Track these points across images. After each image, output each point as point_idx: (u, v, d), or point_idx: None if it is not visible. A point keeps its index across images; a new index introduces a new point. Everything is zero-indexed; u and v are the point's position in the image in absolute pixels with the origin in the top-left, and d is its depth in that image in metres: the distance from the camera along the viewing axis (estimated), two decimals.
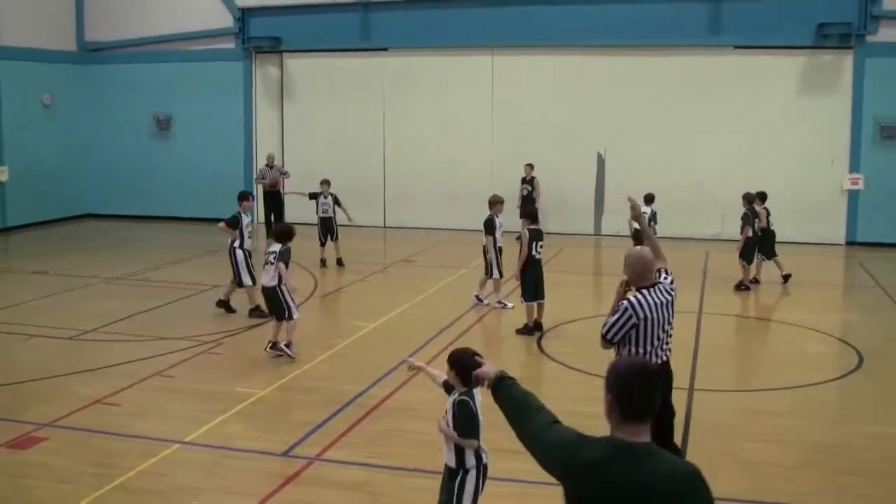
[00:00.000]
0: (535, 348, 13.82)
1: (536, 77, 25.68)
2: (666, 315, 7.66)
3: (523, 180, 24.49)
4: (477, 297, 16.59)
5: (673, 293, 7.76)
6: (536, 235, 14.69)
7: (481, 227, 16.26)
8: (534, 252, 14.57)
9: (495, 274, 16.22)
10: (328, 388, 11.56)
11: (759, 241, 18.63)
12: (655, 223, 18.92)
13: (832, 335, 14.98)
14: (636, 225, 18.81)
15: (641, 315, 7.52)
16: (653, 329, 7.55)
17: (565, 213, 25.28)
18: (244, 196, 16.19)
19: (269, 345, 13.12)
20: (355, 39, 26.96)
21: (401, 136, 26.77)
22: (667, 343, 7.81)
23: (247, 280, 15.58)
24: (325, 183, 20.70)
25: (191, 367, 12.62)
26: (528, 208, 16.63)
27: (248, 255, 15.74)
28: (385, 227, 26.52)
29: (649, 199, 19.40)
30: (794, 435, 10.04)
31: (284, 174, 25.43)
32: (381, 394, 11.29)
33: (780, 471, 9.00)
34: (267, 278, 13.16)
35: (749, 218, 18.33)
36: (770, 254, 18.84)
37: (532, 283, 14.55)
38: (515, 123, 25.84)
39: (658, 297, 7.59)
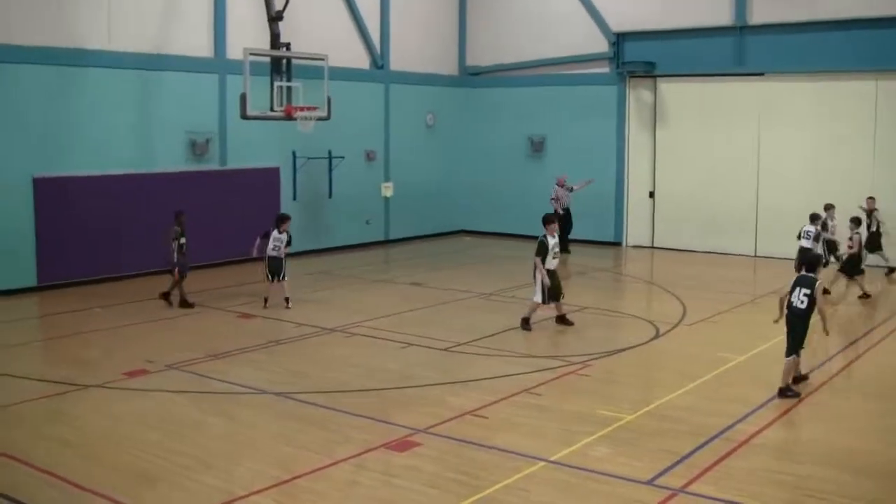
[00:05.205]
0: None
1: None
2: None
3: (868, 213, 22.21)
4: None
5: None
6: None
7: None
8: None
9: None
10: (693, 419, 11.26)
11: None
12: None
13: None
14: None
15: None
16: None
17: None
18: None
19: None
20: (729, 64, 26.29)
21: (773, 164, 25.57)
22: None
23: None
24: (284, 220, 18.68)
25: (557, 387, 12.77)
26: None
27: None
28: (755, 256, 25.52)
29: None
30: None
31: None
32: (750, 430, 10.84)
33: None
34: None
35: None
36: None
37: None
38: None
39: None
